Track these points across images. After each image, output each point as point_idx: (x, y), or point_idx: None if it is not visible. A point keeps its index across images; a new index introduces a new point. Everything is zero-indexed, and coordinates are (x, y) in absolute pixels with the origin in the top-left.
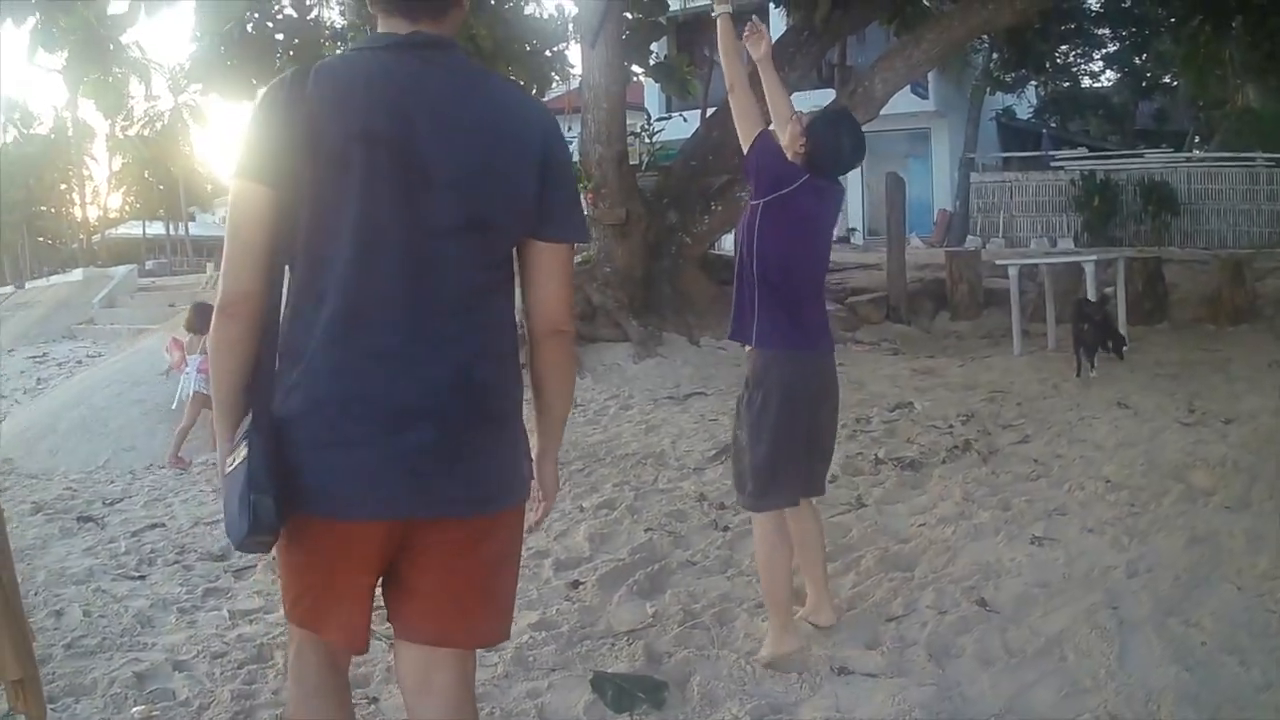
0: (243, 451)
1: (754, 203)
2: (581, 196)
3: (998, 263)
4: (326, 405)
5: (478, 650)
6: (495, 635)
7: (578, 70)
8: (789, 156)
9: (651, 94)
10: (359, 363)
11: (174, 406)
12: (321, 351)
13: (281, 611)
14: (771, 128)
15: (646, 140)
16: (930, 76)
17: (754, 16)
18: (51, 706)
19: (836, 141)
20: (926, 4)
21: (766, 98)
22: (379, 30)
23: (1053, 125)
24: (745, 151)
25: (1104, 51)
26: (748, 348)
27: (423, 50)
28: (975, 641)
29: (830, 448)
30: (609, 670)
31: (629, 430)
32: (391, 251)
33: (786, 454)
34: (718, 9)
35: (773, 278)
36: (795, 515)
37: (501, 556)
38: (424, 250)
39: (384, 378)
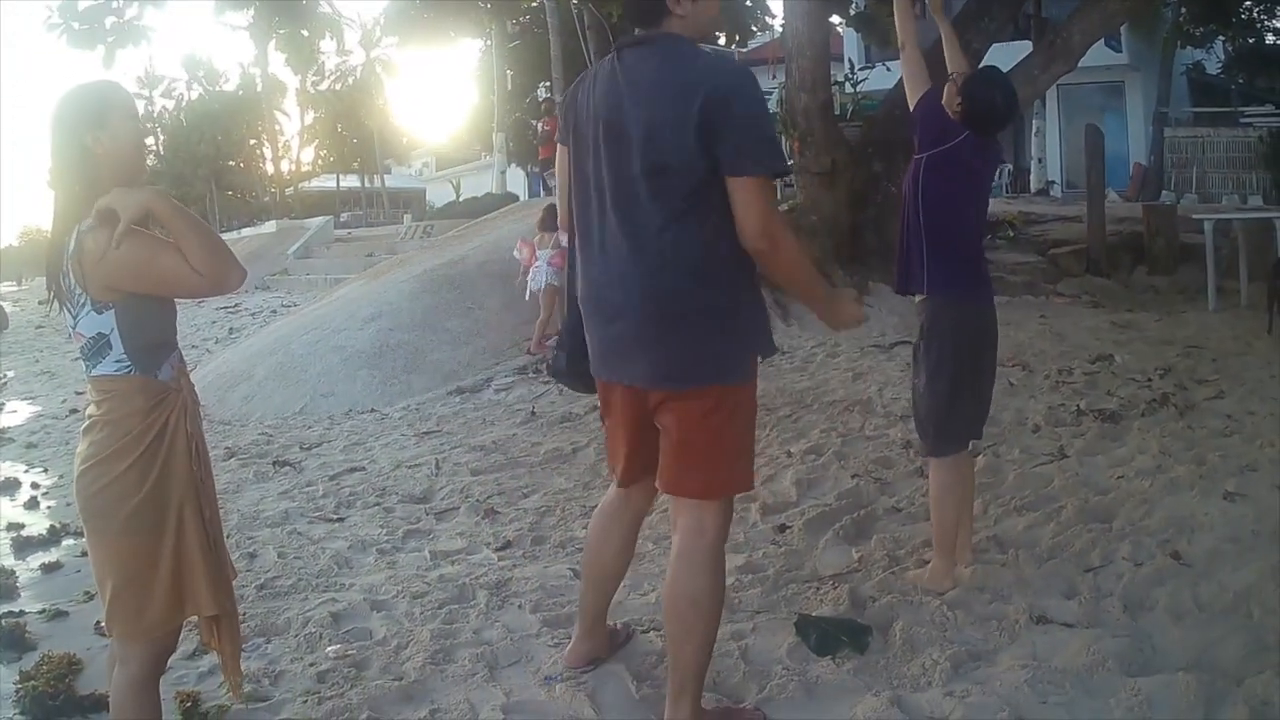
0: None
1: (917, 157)
2: (784, 142)
3: (1194, 217)
4: (584, 300)
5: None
6: (691, 489)
7: (779, 20)
8: (950, 114)
9: (851, 43)
10: (592, 272)
11: (525, 298)
12: (581, 263)
13: (484, 553)
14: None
15: (850, 89)
16: (1123, 30)
17: None
18: (242, 647)
19: (990, 100)
20: None
21: (944, 45)
22: None
23: (1240, 81)
24: (911, 108)
25: None
26: (918, 298)
27: (639, 47)
28: (1168, 594)
29: (991, 392)
30: (813, 614)
31: (836, 378)
32: (606, 194)
33: (962, 398)
34: None
35: (938, 227)
36: (961, 461)
37: (696, 424)
38: (625, 192)
39: (603, 283)
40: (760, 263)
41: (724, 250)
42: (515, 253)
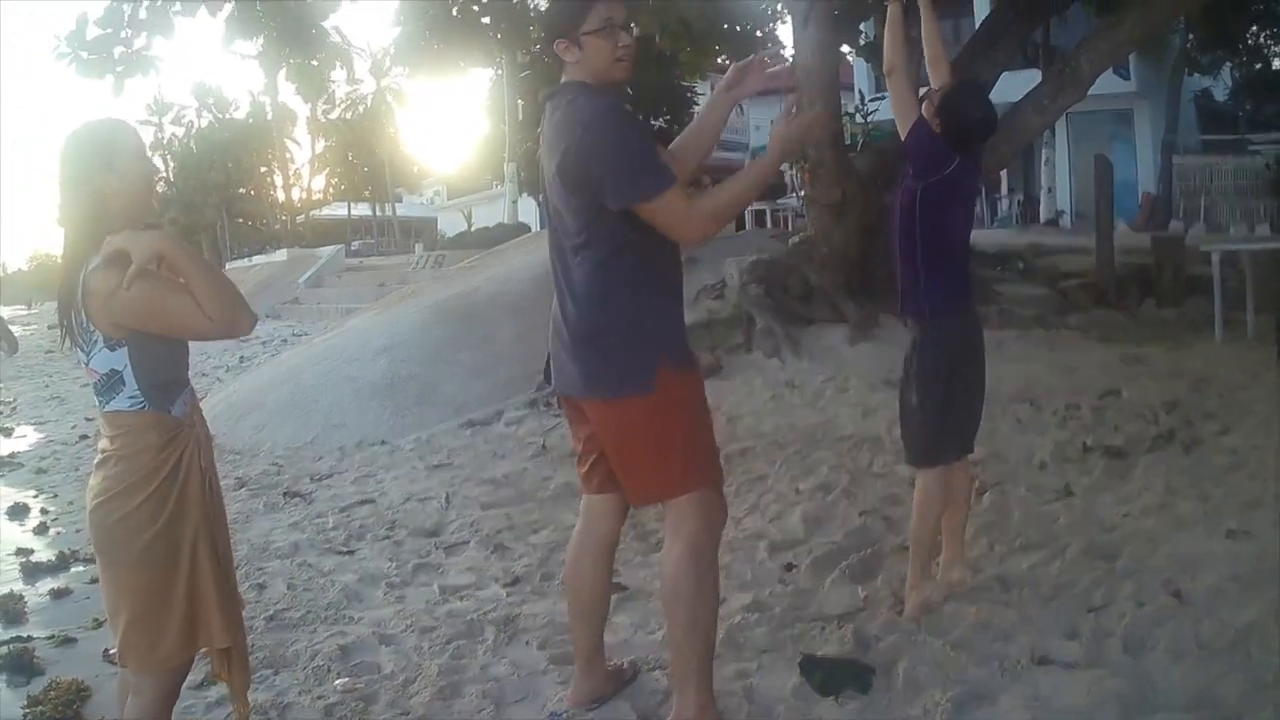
0: None
1: (911, 185)
2: (793, 173)
3: (1202, 248)
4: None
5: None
6: (636, 498)
7: (789, 50)
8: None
9: (861, 74)
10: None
11: None
12: None
13: (493, 589)
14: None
15: (860, 120)
16: (1131, 58)
17: None
18: (250, 678)
19: (965, 115)
20: None
21: (926, 57)
22: None
23: (1248, 108)
24: (904, 137)
25: None
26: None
27: (550, 99)
28: (1169, 634)
29: (981, 404)
30: (818, 653)
31: (845, 413)
32: (549, 231)
33: (953, 411)
34: None
35: (937, 252)
36: (950, 472)
37: (624, 435)
38: (553, 229)
39: (554, 306)
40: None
41: (617, 276)
42: None
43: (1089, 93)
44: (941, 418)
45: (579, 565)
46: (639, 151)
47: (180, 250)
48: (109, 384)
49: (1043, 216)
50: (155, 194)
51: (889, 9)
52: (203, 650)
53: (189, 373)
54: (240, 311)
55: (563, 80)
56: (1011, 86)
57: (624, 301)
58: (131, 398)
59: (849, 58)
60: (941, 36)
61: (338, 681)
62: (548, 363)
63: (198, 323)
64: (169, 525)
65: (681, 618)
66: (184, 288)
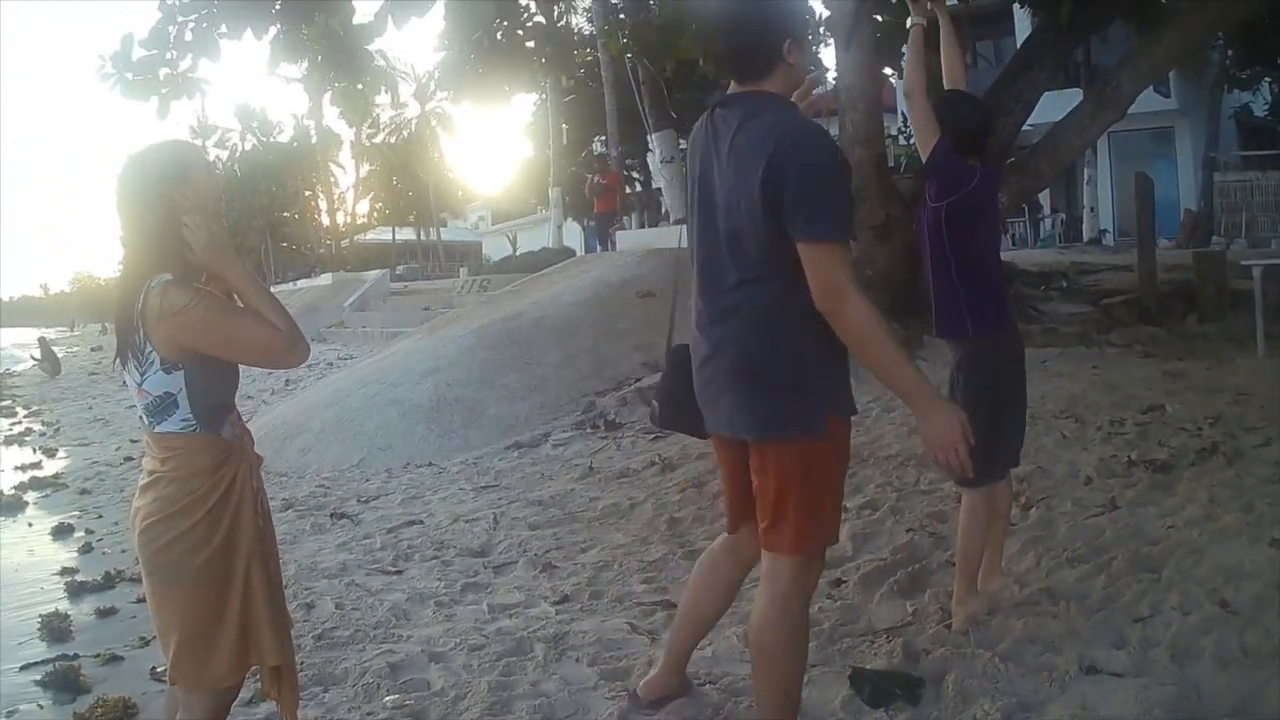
0: None
1: (935, 205)
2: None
3: (1242, 263)
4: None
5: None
6: (775, 545)
7: (832, 72)
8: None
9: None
10: (694, 325)
11: None
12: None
13: (542, 607)
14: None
15: (903, 142)
16: (1171, 75)
17: None
18: (299, 695)
19: (957, 116)
20: (1164, 1)
21: (944, 64)
22: None
23: None
24: (925, 157)
25: None
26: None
27: (731, 106)
28: (1214, 642)
29: (1024, 417)
30: (868, 666)
31: (891, 432)
32: (698, 256)
33: (1001, 430)
34: (912, 20)
35: (971, 271)
36: (994, 488)
37: (776, 476)
38: (711, 255)
39: (697, 337)
40: (832, 325)
41: (796, 305)
42: None
43: (1130, 111)
44: (990, 438)
45: (710, 576)
46: (844, 191)
47: (250, 280)
48: (161, 406)
49: (1085, 235)
50: (222, 214)
51: (910, 32)
52: (252, 668)
53: (236, 396)
54: (298, 331)
55: (738, 91)
56: (1053, 106)
57: (798, 339)
58: (184, 420)
59: (891, 80)
60: (961, 59)
61: (388, 698)
62: (658, 403)
63: (265, 334)
64: (224, 545)
65: (767, 672)
66: (246, 309)
